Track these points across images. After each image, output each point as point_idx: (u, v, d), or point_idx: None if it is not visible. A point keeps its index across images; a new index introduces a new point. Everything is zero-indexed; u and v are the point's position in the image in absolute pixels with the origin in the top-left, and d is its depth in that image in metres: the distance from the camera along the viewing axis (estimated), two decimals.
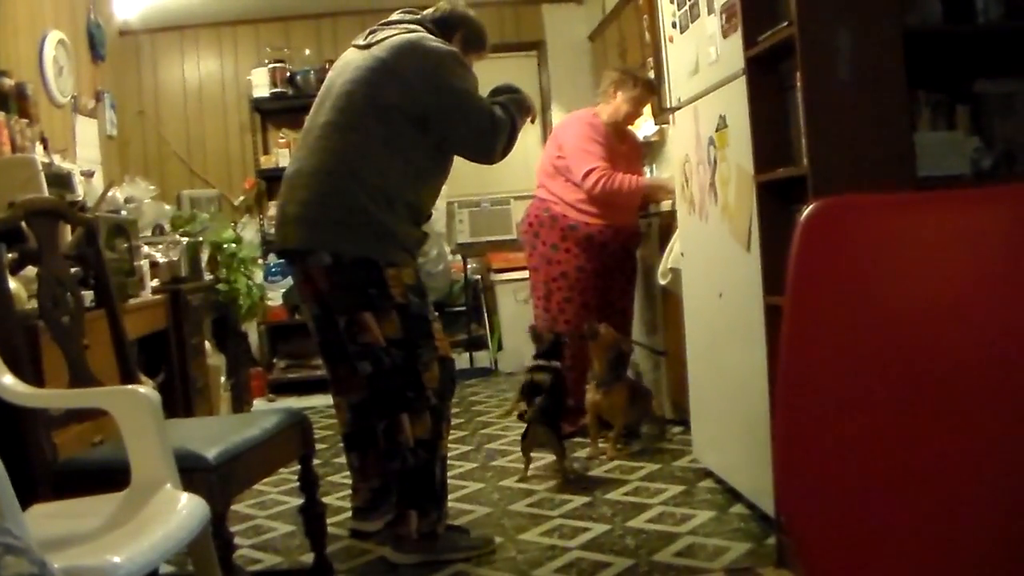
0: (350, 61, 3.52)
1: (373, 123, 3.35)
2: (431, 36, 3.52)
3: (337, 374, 3.71)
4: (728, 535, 3.41)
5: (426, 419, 3.38)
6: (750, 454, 3.47)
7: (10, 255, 2.72)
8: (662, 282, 4.72)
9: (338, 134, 3.38)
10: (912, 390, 1.44)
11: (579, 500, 4.03)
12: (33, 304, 3.02)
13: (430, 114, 3.39)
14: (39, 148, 4.84)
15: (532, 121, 3.81)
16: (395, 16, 3.64)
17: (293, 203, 3.42)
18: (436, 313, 3.57)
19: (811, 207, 1.50)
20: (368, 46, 3.49)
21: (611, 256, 5.14)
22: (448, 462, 3.65)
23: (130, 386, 2.56)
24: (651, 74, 6.07)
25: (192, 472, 2.40)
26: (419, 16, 3.64)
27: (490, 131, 3.46)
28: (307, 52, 8.15)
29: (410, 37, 3.46)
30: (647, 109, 6.26)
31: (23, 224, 2.79)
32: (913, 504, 1.43)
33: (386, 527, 3.59)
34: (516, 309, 7.44)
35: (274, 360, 7.76)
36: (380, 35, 3.52)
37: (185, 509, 2.17)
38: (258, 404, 6.88)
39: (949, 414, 1.44)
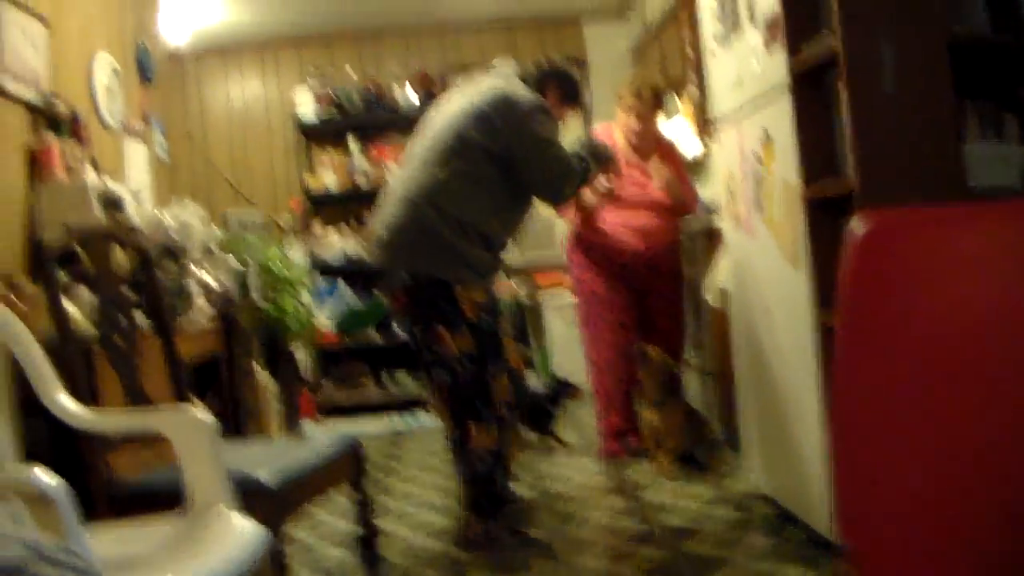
0: (449, 102, 3.96)
1: (458, 159, 3.74)
2: (523, 86, 3.92)
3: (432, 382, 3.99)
4: (785, 559, 3.34)
5: (493, 429, 3.72)
6: (804, 476, 3.43)
7: (65, 278, 2.76)
8: (709, 300, 4.69)
9: (424, 166, 3.78)
10: (975, 407, 1.43)
11: (634, 523, 3.99)
12: (89, 326, 3.07)
13: (511, 156, 3.77)
14: (90, 171, 4.90)
15: (613, 173, 4.33)
16: (496, 66, 4.12)
17: (382, 227, 3.83)
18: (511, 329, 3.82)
19: (860, 222, 1.49)
20: (467, 91, 3.93)
21: (640, 276, 5.11)
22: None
23: (186, 409, 2.58)
24: (692, 87, 6.06)
25: (248, 495, 2.43)
26: (515, 69, 4.14)
27: (561, 179, 3.88)
28: (350, 72, 8.21)
29: (503, 85, 3.87)
30: (689, 124, 6.27)
31: (78, 247, 2.83)
32: (978, 525, 1.41)
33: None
34: (565, 330, 7.39)
35: (323, 382, 7.81)
36: (479, 81, 3.98)
37: (241, 531, 2.19)
38: (308, 426, 6.91)
39: (1015, 431, 1.42)
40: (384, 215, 3.83)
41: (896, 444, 1.44)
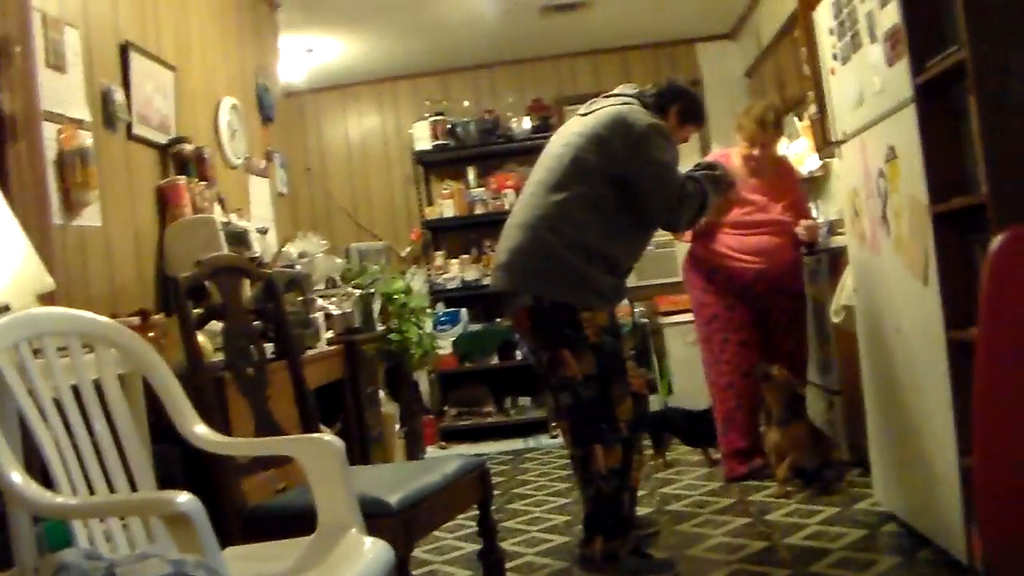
0: (569, 127, 3.94)
1: (576, 184, 3.72)
2: (641, 110, 3.86)
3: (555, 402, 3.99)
4: None
5: (617, 450, 3.68)
6: (936, 496, 3.34)
7: (196, 311, 2.84)
8: (835, 320, 4.61)
9: (545, 192, 3.77)
10: None
11: (757, 545, 3.95)
12: (219, 357, 3.15)
13: (628, 180, 3.73)
14: (217, 208, 5.04)
15: (732, 198, 4.28)
16: (616, 90, 4.02)
17: (503, 251, 3.84)
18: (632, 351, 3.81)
19: (1000, 237, 1.45)
20: (586, 115, 3.91)
21: (762, 296, 5.05)
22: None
23: (316, 435, 2.63)
24: (812, 107, 5.99)
25: (376, 517, 2.46)
26: (637, 91, 4.00)
27: (677, 204, 3.78)
28: (466, 103, 8.31)
29: (621, 108, 3.83)
30: (808, 143, 6.20)
31: (207, 281, 2.91)
32: None
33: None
34: (686, 351, 7.36)
35: (445, 408, 7.87)
36: (597, 105, 3.93)
37: (371, 553, 2.21)
38: (431, 451, 6.98)
39: None
40: (505, 241, 3.84)
41: None
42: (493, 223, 8.01)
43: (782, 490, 4.61)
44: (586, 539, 3.76)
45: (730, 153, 5.16)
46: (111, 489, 2.24)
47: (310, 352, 4.44)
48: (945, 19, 3.00)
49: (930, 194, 3.07)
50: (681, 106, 4.02)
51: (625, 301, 7.40)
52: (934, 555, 3.44)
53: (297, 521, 2.45)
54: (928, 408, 3.32)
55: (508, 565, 3.74)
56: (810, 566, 3.58)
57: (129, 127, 4.46)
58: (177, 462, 2.89)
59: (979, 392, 1.42)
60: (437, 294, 8.00)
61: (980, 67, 2.72)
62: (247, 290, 3.22)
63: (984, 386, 1.42)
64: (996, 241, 1.42)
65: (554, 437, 7.10)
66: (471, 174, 8.24)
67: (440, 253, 8.21)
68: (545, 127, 8.00)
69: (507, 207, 7.72)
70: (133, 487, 2.31)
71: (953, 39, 2.86)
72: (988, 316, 1.41)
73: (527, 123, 8.14)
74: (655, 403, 7.18)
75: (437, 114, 8.16)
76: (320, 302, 5.10)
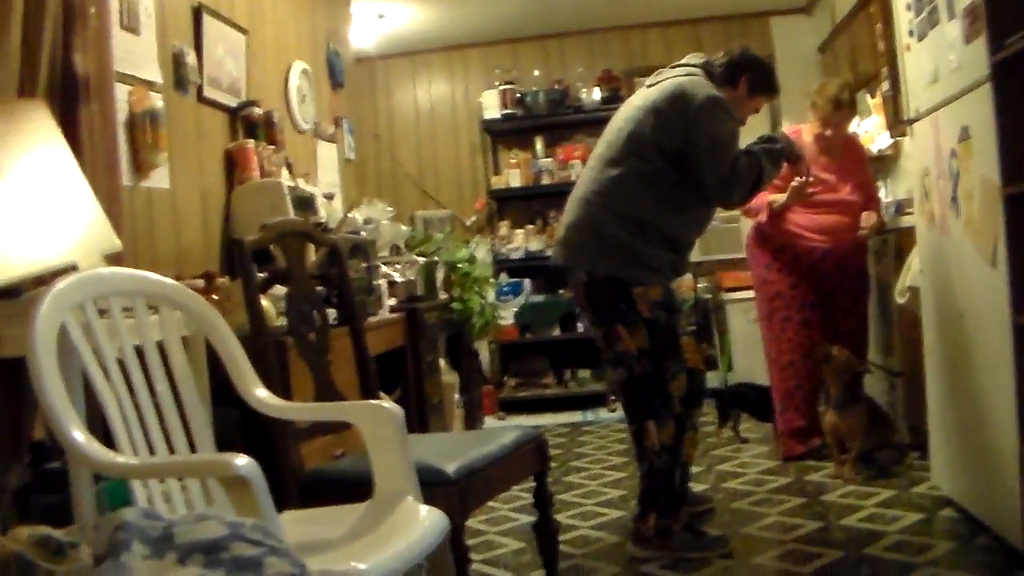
0: (632, 100, 3.91)
1: (633, 159, 3.70)
2: (704, 81, 3.81)
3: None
4: (971, 568, 3.23)
5: (671, 426, 3.69)
6: (995, 483, 3.31)
7: (260, 275, 2.86)
8: (900, 300, 4.55)
9: (602, 166, 3.77)
10: None
11: (813, 525, 3.92)
12: (281, 321, 3.18)
13: (684, 153, 3.69)
14: (285, 173, 5.08)
15: (800, 173, 4.20)
16: (684, 59, 3.98)
17: (562, 226, 3.87)
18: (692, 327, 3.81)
19: None
20: (651, 86, 3.88)
21: (827, 275, 5.00)
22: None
23: (376, 401, 2.65)
24: (885, 84, 5.89)
25: (433, 486, 2.47)
26: (703, 61, 3.95)
27: (729, 179, 3.70)
28: (536, 73, 8.27)
29: (682, 80, 3.79)
30: (880, 121, 6.10)
31: (272, 245, 2.94)
32: None
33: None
34: (747, 328, 7.32)
35: (504, 378, 7.89)
36: (662, 76, 3.91)
37: (427, 521, 2.23)
38: (489, 422, 7.01)
39: None
40: (565, 215, 3.86)
41: None
42: (559, 194, 7.94)
43: (843, 473, 4.57)
44: (640, 514, 3.77)
45: (801, 130, 5.09)
46: (171, 450, 2.28)
47: (372, 319, 4.48)
48: None
49: (1003, 175, 3.01)
50: (752, 75, 3.94)
51: (688, 276, 7.39)
52: (990, 541, 3.41)
53: (354, 487, 2.48)
54: (991, 393, 3.28)
55: (562, 538, 3.74)
56: (864, 548, 3.55)
57: (200, 89, 4.51)
58: (237, 425, 2.92)
59: None
60: (500, 264, 8.00)
61: None
62: (311, 255, 3.25)
63: None
64: None
65: (613, 411, 7.12)
66: (538, 144, 8.21)
67: (505, 223, 8.20)
68: (614, 98, 7.93)
69: (573, 178, 7.66)
70: (193, 449, 2.35)
71: None
72: None
73: (596, 94, 8.08)
74: (716, 379, 7.17)
75: (506, 83, 8.13)
76: (384, 269, 5.13)
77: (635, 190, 3.69)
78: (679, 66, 3.93)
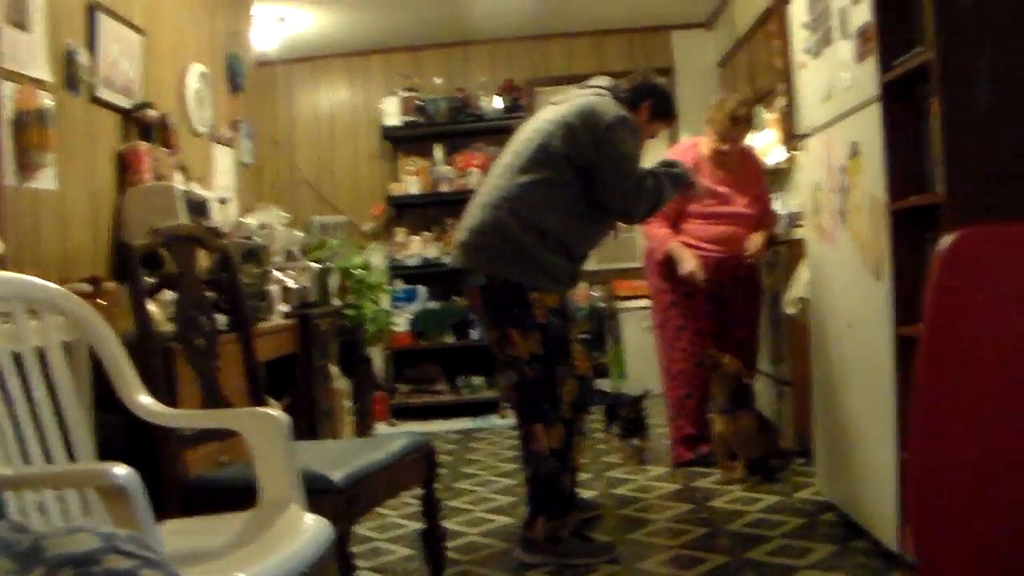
0: (541, 114, 3.99)
1: (541, 169, 3.78)
2: (612, 102, 3.91)
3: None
4: (849, 570, 3.32)
5: (559, 430, 3.73)
6: (874, 488, 3.41)
7: (149, 279, 2.80)
8: (789, 311, 4.63)
9: (510, 174, 3.83)
10: None
11: (699, 530, 3.98)
12: (170, 327, 3.12)
13: (591, 169, 3.78)
14: (178, 176, 4.98)
15: (693, 196, 4.36)
16: (591, 81, 4.09)
17: (463, 229, 3.90)
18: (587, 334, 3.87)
19: (950, 237, 1.45)
20: (558, 103, 3.97)
21: (720, 285, 5.08)
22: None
23: (262, 409, 2.61)
24: (781, 100, 6.00)
25: (319, 493, 2.45)
26: (611, 84, 4.05)
27: (633, 197, 3.84)
28: (437, 81, 8.25)
29: (592, 100, 3.89)
30: (776, 135, 6.21)
31: (162, 250, 2.88)
32: None
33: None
34: (640, 337, 7.40)
35: (397, 385, 7.85)
36: (570, 95, 4.00)
37: (310, 530, 2.20)
38: (380, 428, 6.97)
39: None
40: (467, 219, 3.89)
41: (976, 461, 1.40)
42: (457, 202, 7.93)
43: (731, 479, 4.65)
44: (529, 520, 3.81)
45: (699, 143, 5.16)
46: (48, 459, 2.21)
47: (264, 325, 4.42)
48: (915, 19, 3.00)
49: (889, 191, 3.08)
50: (653, 102, 4.06)
51: (582, 284, 7.44)
52: (868, 545, 3.52)
53: (239, 495, 2.43)
54: (872, 402, 3.36)
55: (451, 544, 3.74)
56: (748, 553, 3.62)
57: (92, 89, 4.40)
58: (120, 432, 2.85)
59: (918, 388, 1.43)
60: (396, 270, 7.96)
61: (945, 69, 2.73)
62: (204, 260, 3.19)
63: (923, 382, 1.42)
64: (945, 240, 1.42)
65: (504, 418, 7.12)
66: (438, 152, 8.19)
67: (402, 229, 8.16)
68: (516, 107, 7.98)
69: (472, 186, 7.71)
70: (72, 458, 2.28)
71: (921, 39, 2.87)
72: (932, 313, 1.42)
73: (498, 103, 8.10)
74: (608, 386, 7.22)
75: (408, 90, 8.10)
76: (277, 274, 5.06)
77: (541, 199, 3.76)
78: (588, 87, 4.03)
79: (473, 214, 3.88)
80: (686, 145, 5.29)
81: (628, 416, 5.19)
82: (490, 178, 3.96)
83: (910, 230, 3.03)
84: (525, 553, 3.78)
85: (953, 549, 1.41)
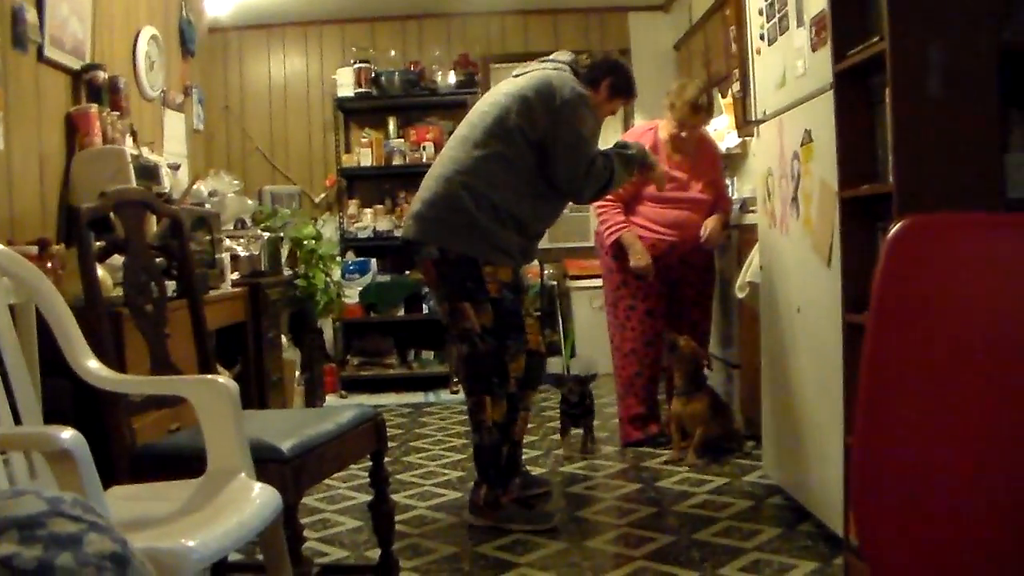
0: (499, 87, 4.03)
1: (497, 143, 3.82)
2: (571, 78, 3.95)
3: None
4: (795, 553, 3.37)
5: (504, 404, 3.84)
6: (820, 472, 3.45)
7: (98, 244, 2.77)
8: (740, 295, 4.67)
9: (465, 147, 3.87)
10: (998, 413, 1.42)
11: (647, 510, 4.02)
12: (118, 292, 3.09)
13: (545, 144, 3.82)
14: (129, 140, 4.93)
15: (652, 179, 4.34)
16: (552, 55, 4.12)
17: (417, 201, 3.93)
18: (538, 312, 3.86)
19: (898, 225, 1.48)
20: (518, 76, 4.01)
21: (673, 267, 5.12)
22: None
23: (211, 376, 2.59)
24: (736, 85, 6.03)
25: (266, 463, 2.44)
26: (570, 59, 4.09)
27: (583, 176, 3.88)
28: (392, 53, 8.20)
29: (551, 74, 3.92)
30: (731, 120, 6.25)
31: (111, 214, 2.85)
32: (998, 529, 1.40)
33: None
34: (591, 316, 7.44)
35: (348, 357, 7.83)
36: (530, 68, 4.03)
37: (258, 498, 2.20)
38: (330, 400, 6.96)
39: None
40: (421, 191, 3.94)
41: (918, 446, 1.43)
42: (410, 175, 7.96)
43: (683, 460, 4.70)
44: (475, 485, 3.96)
45: (657, 127, 5.18)
46: None
47: (213, 293, 4.39)
48: (870, 9, 3.02)
49: (840, 179, 3.11)
50: (613, 79, 4.09)
51: (535, 263, 7.46)
52: (814, 528, 3.57)
53: (187, 463, 2.42)
54: (820, 387, 3.41)
55: (399, 518, 3.75)
56: (695, 533, 3.66)
57: (40, 49, 4.33)
58: (68, 397, 2.83)
59: (863, 375, 1.45)
60: (348, 243, 7.92)
61: (898, 59, 2.75)
62: (153, 226, 3.16)
63: (868, 369, 1.45)
64: (893, 228, 1.44)
65: (455, 393, 7.14)
66: (391, 124, 8.15)
67: (354, 201, 8.12)
68: (470, 83, 7.95)
69: (425, 160, 7.69)
70: (18, 421, 2.26)
71: (875, 30, 2.89)
72: (878, 301, 1.45)
73: (452, 78, 8.06)
74: (559, 366, 7.25)
75: (362, 61, 8.04)
76: (228, 243, 5.03)
77: (495, 172, 3.80)
78: (548, 61, 4.04)
79: (427, 186, 3.91)
80: (644, 128, 5.31)
81: (572, 399, 5.13)
82: (446, 150, 3.98)
83: (860, 218, 3.06)
84: (471, 516, 3.92)
85: (895, 535, 1.44)
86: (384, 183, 8.21)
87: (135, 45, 5.52)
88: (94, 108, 4.64)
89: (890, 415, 1.44)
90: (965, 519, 1.41)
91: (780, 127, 3.78)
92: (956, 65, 2.75)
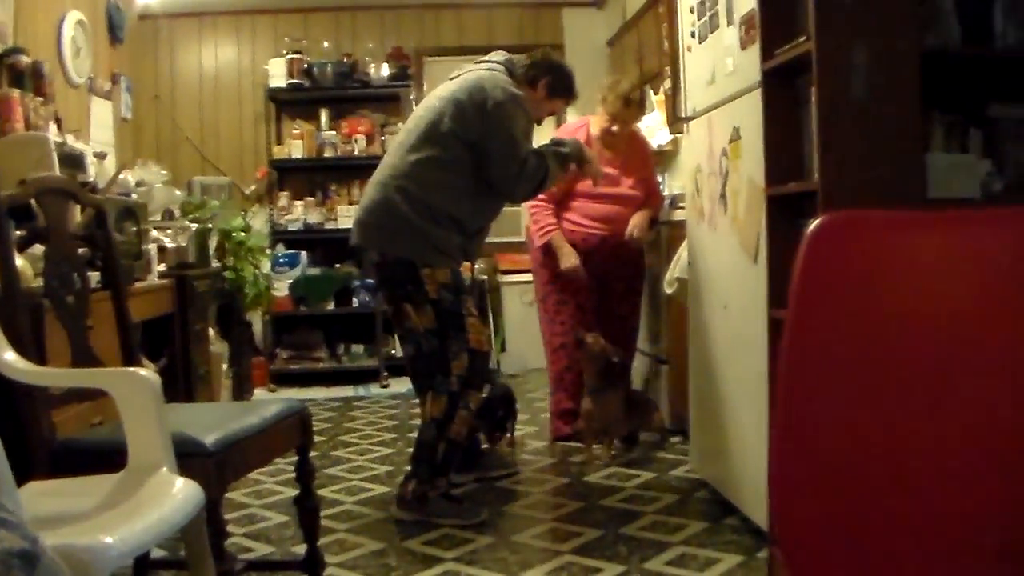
0: (435, 92, 4.08)
1: (431, 146, 3.86)
2: (504, 78, 3.98)
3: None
4: (720, 547, 3.41)
5: (443, 401, 3.88)
6: (746, 467, 3.48)
7: (18, 232, 2.72)
8: (668, 291, 4.71)
9: (401, 152, 3.93)
10: (913, 406, 1.44)
11: (574, 505, 4.03)
12: (39, 282, 3.03)
13: (477, 145, 3.86)
14: (53, 127, 4.84)
15: (589, 174, 4.29)
16: (488, 56, 4.16)
17: (359, 208, 4.03)
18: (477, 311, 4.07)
19: (818, 221, 1.50)
20: (452, 79, 4.05)
21: (602, 262, 5.13)
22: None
23: (131, 368, 2.56)
24: (668, 82, 6.07)
25: (189, 457, 2.40)
26: (505, 59, 4.13)
27: (516, 176, 3.92)
28: (325, 45, 8.15)
29: (483, 75, 3.97)
30: (662, 118, 6.29)
31: (33, 202, 2.79)
32: (912, 522, 1.43)
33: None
34: (522, 311, 7.45)
35: (277, 350, 7.77)
36: (465, 70, 4.08)
37: (180, 493, 2.17)
38: (259, 393, 6.89)
39: (951, 430, 1.43)
40: (363, 198, 4.02)
41: (835, 440, 1.45)
42: (341, 167, 7.94)
43: (600, 456, 4.71)
44: (405, 479, 3.97)
45: (589, 122, 5.19)
46: None
47: (139, 284, 4.33)
48: (797, 10, 3.06)
49: (767, 177, 3.15)
50: (551, 79, 4.13)
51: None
52: (739, 522, 3.62)
53: (108, 457, 2.38)
54: (746, 383, 3.44)
55: (326, 512, 3.77)
56: (622, 528, 3.69)
57: None
58: None
59: (781, 371, 1.47)
60: (278, 235, 7.86)
61: (824, 60, 2.79)
62: (77, 216, 3.10)
63: (786, 365, 1.47)
64: (812, 225, 1.46)
65: (384, 387, 7.12)
66: (323, 116, 8.09)
67: (285, 194, 8.05)
68: (403, 76, 7.93)
69: (357, 152, 7.69)
70: None
71: (803, 30, 2.93)
72: (796, 298, 1.46)
73: (385, 70, 8.02)
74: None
75: (295, 52, 7.98)
76: (155, 233, 4.96)
77: (430, 175, 3.84)
78: (483, 62, 4.08)
79: (367, 193, 4.00)
80: (576, 124, 5.32)
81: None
82: (386, 156, 4.07)
83: (786, 216, 3.10)
84: (397, 509, 3.93)
85: (813, 530, 1.46)
86: (315, 175, 8.15)
87: (60, 29, 5.43)
88: (16, 93, 4.55)
89: (807, 406, 1.46)
90: (881, 509, 1.43)
91: (709, 124, 3.81)
92: (880, 67, 2.80)
